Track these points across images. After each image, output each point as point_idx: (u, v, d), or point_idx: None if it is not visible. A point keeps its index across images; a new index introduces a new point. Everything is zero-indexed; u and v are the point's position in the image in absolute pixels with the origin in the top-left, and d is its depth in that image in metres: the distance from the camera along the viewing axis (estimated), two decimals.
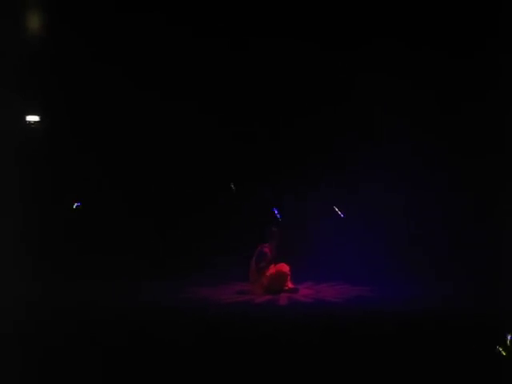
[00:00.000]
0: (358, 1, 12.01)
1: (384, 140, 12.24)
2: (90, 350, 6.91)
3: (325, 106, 12.48)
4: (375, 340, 7.12)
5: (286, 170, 12.56)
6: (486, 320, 7.72)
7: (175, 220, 12.64)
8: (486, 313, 8.20)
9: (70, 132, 12.51)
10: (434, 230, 12.01)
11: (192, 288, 10.48)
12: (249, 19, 12.18)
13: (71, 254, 11.68)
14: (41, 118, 12.73)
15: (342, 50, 12.16)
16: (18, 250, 10.90)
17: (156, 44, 12.23)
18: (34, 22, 11.87)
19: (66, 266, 11.33)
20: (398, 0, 11.87)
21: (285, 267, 10.36)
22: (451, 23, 11.73)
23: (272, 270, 10.37)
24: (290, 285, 10.41)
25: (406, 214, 12.26)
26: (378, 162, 12.30)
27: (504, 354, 5.96)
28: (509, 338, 6.23)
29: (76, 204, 12.66)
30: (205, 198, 12.63)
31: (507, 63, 11.21)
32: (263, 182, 12.66)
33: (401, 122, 11.85)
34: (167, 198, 12.78)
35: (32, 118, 12.68)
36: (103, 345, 7.08)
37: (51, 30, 11.83)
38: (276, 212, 11.84)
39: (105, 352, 6.80)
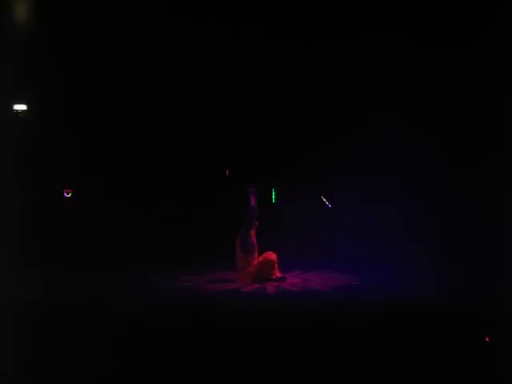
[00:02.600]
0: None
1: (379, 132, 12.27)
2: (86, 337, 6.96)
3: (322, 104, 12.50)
4: (363, 329, 7.11)
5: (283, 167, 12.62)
6: (475, 308, 7.76)
7: (168, 215, 12.61)
8: (475, 300, 8.27)
9: (60, 122, 12.46)
10: (424, 221, 12.03)
11: (179, 277, 10.46)
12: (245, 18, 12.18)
13: (67, 247, 11.67)
14: (28, 107, 12.67)
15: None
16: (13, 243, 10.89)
17: (150, 33, 12.21)
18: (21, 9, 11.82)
19: (63, 261, 11.28)
20: None
21: (272, 255, 10.32)
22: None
23: (259, 258, 10.38)
24: (277, 273, 10.37)
25: (397, 205, 12.26)
26: (371, 153, 12.35)
27: (487, 339, 6.00)
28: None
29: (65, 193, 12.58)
30: (203, 195, 12.60)
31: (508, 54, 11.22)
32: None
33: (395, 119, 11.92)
34: (164, 192, 12.76)
35: (20, 107, 12.62)
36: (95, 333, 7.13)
37: (39, 18, 11.78)
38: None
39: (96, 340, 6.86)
